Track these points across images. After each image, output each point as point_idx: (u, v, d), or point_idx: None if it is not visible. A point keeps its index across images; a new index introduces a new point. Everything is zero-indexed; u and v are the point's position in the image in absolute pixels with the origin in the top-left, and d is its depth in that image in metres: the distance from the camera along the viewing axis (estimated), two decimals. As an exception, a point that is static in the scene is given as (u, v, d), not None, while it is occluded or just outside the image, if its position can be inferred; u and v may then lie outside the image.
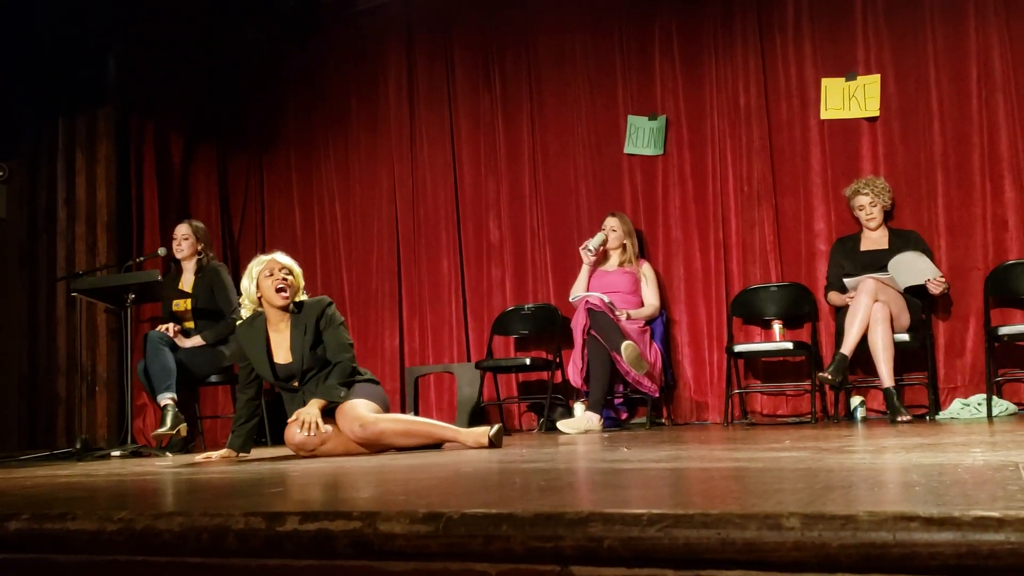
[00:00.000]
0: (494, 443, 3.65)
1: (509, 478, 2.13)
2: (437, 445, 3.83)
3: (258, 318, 3.94)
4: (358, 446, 3.74)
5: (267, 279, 3.85)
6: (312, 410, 3.71)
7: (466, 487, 1.95)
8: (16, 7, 6.37)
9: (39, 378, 6.77)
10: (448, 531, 1.24)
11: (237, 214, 7.42)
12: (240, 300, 3.98)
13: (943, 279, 4.89)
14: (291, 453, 3.97)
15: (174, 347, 5.33)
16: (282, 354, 3.91)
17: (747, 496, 1.50)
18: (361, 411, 3.73)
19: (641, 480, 1.95)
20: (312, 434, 3.67)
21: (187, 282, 5.63)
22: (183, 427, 5.00)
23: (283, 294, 3.84)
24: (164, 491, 2.35)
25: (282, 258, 3.94)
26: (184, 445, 5.26)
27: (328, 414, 3.78)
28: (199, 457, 3.94)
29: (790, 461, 2.25)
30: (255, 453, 4.14)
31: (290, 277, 3.88)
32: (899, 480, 1.71)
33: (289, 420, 3.78)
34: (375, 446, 3.73)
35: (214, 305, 5.55)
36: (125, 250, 6.69)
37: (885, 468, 1.98)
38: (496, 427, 3.71)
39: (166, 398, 5.01)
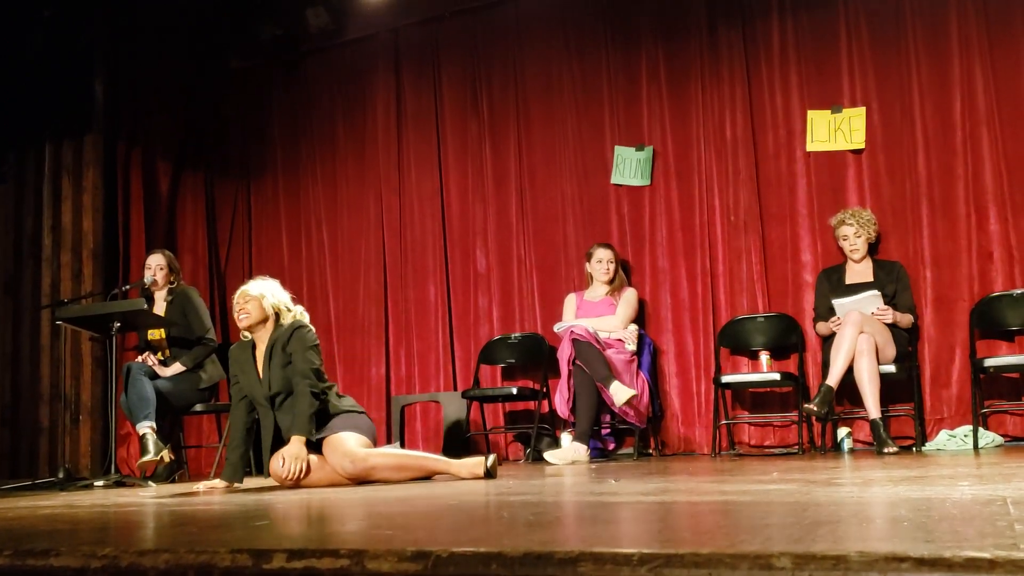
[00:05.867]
0: (491, 474, 3.63)
1: (496, 512, 2.12)
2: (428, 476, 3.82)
3: (248, 340, 4.02)
4: (340, 480, 3.70)
5: (234, 310, 3.99)
6: (297, 451, 3.67)
7: (453, 521, 1.94)
8: (2, 33, 6.37)
9: (22, 407, 6.71)
10: (437, 570, 1.23)
11: (224, 241, 7.40)
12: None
13: (885, 310, 4.96)
14: (272, 484, 3.94)
15: (154, 376, 5.28)
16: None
17: (736, 532, 1.50)
18: (351, 446, 3.69)
19: (630, 515, 1.94)
20: (296, 470, 3.65)
21: (159, 310, 5.59)
22: (166, 452, 4.94)
23: (244, 318, 3.93)
24: (148, 525, 2.33)
25: (251, 287, 4.00)
26: (169, 474, 5.20)
27: (311, 447, 3.75)
28: (200, 487, 3.88)
29: (778, 494, 2.24)
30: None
31: (250, 304, 3.93)
32: (887, 515, 1.71)
33: (274, 456, 3.75)
34: (365, 481, 3.70)
35: (188, 330, 5.51)
36: (111, 278, 6.65)
37: (873, 502, 1.98)
38: (492, 458, 3.68)
39: (145, 427, 4.96)
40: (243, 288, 4.01)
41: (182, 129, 7.26)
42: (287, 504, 2.74)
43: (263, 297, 3.94)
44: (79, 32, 6.68)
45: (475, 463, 3.68)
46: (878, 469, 3.31)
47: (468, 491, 2.92)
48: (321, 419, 3.80)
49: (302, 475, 3.66)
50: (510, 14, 6.62)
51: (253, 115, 7.45)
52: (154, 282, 5.63)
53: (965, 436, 4.94)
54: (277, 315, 3.97)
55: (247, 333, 4.01)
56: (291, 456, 3.65)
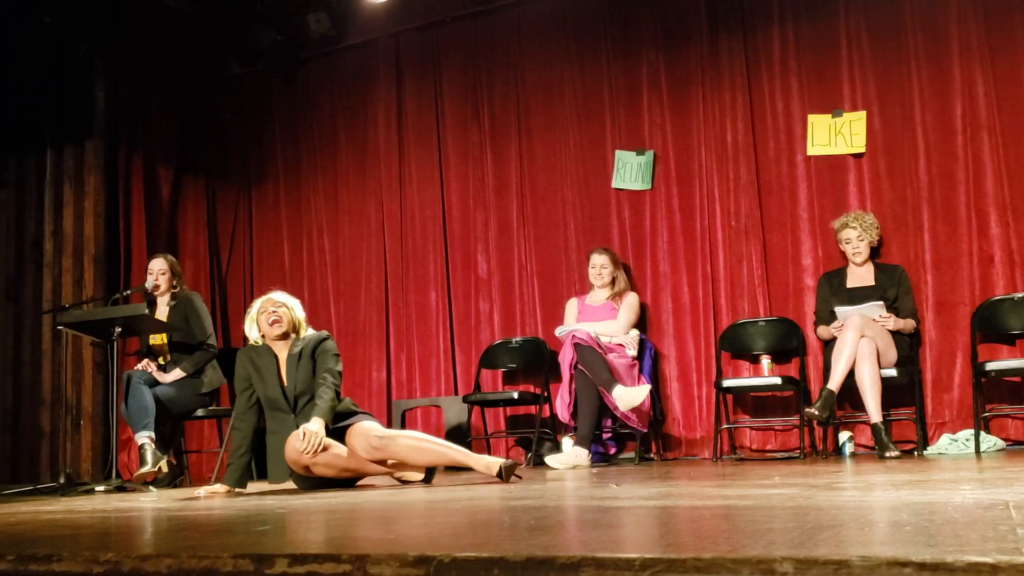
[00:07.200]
0: (502, 476, 3.64)
1: (498, 517, 2.12)
2: (430, 474, 3.90)
3: (263, 346, 4.12)
4: (359, 463, 3.83)
5: (262, 315, 4.08)
6: (317, 428, 3.77)
7: (455, 526, 1.94)
8: (3, 39, 6.38)
9: (23, 411, 6.70)
10: (439, 575, 1.23)
11: (225, 247, 7.41)
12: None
13: (888, 316, 4.99)
14: (277, 488, 3.96)
15: (154, 383, 5.27)
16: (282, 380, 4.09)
17: (738, 536, 1.50)
18: (376, 425, 3.92)
19: (632, 519, 1.94)
20: (315, 444, 3.73)
21: (162, 315, 5.59)
22: (163, 464, 4.95)
23: (277, 325, 4.05)
24: (150, 530, 2.33)
25: (277, 296, 4.16)
26: (171, 480, 5.20)
27: (332, 437, 3.86)
28: (201, 492, 3.91)
29: (780, 499, 2.24)
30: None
31: (282, 310, 4.08)
32: (889, 519, 1.71)
33: (292, 436, 3.83)
34: (387, 458, 3.82)
35: (190, 335, 5.51)
36: (112, 283, 6.65)
37: (875, 506, 1.98)
38: (510, 461, 3.70)
39: (143, 437, 4.96)
40: (270, 296, 4.16)
41: (183, 134, 7.27)
42: (289, 509, 2.74)
43: (292, 309, 4.13)
44: (80, 38, 6.68)
45: (493, 461, 3.72)
46: (880, 473, 3.31)
47: (470, 495, 2.92)
48: (342, 415, 3.99)
49: (318, 450, 3.74)
50: (511, 20, 6.63)
51: (254, 120, 7.46)
52: (156, 287, 5.62)
53: (967, 440, 4.94)
54: (295, 329, 4.13)
55: (260, 340, 4.08)
56: (311, 432, 3.75)
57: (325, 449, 3.77)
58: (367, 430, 3.85)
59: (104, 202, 6.70)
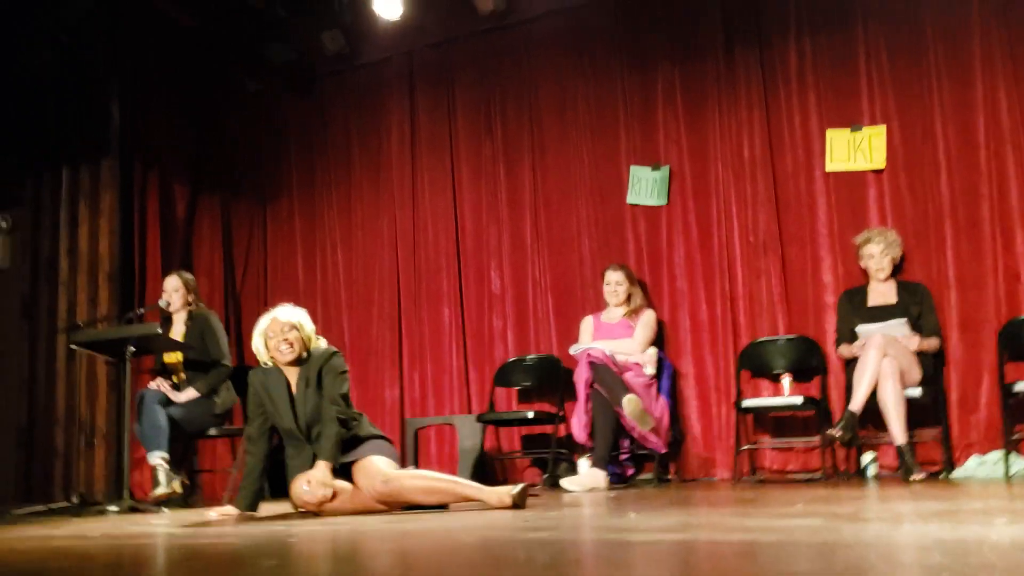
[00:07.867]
0: (518, 504, 3.51)
1: (512, 551, 2.05)
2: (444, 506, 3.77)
3: (272, 368, 3.94)
4: (365, 504, 3.67)
5: (271, 340, 3.89)
6: (323, 476, 3.65)
7: (467, 561, 1.89)
8: (19, 57, 6.40)
9: (37, 430, 6.68)
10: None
11: (240, 264, 7.39)
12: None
13: (912, 336, 4.90)
14: (291, 511, 3.89)
15: (168, 403, 5.23)
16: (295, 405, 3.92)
17: (763, 581, 1.43)
18: (383, 467, 3.70)
19: (650, 556, 1.87)
20: (321, 496, 3.62)
21: (177, 332, 5.57)
22: (176, 484, 4.91)
23: (289, 351, 3.86)
24: (158, 563, 2.27)
25: (284, 315, 3.92)
26: (184, 500, 5.16)
27: (337, 472, 3.72)
28: (213, 514, 3.85)
29: (804, 532, 2.17)
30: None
31: (293, 333, 3.87)
32: (921, 562, 1.63)
33: (297, 477, 3.72)
34: (395, 502, 3.67)
35: (205, 354, 5.47)
36: (127, 301, 6.63)
37: (904, 544, 1.91)
38: (520, 487, 3.58)
39: (156, 457, 4.94)
40: (275, 316, 3.91)
41: (198, 152, 7.27)
42: (298, 540, 2.68)
43: (303, 327, 3.92)
44: (95, 57, 6.69)
45: (505, 491, 3.56)
46: (906, 500, 3.23)
47: (483, 525, 2.86)
48: (352, 443, 3.80)
49: (325, 496, 3.63)
50: (524, 35, 6.59)
51: (269, 137, 7.45)
52: (169, 304, 5.61)
53: (996, 463, 4.81)
54: (306, 347, 3.94)
55: (268, 362, 3.95)
56: (317, 482, 3.63)
57: (333, 496, 3.65)
58: (373, 472, 3.66)
59: (119, 220, 6.69)
